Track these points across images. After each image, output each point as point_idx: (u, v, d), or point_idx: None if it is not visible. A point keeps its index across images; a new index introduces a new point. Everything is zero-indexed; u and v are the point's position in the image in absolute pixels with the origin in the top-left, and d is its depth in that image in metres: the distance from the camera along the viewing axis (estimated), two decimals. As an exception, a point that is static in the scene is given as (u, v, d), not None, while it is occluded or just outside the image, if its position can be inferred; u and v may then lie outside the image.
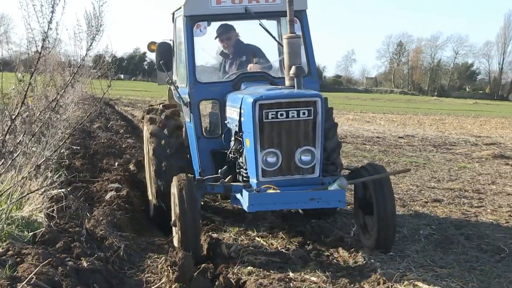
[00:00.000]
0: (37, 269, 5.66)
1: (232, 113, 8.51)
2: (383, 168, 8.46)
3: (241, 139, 8.23)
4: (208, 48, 10.56)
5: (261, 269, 7.32)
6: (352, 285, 6.82)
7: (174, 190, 7.73)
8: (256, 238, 8.96)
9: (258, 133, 7.57)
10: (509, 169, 17.56)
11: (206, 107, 9.91)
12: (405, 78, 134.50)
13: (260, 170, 7.65)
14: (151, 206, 9.98)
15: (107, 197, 10.42)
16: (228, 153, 8.74)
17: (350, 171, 8.79)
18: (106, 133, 20.50)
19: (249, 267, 7.35)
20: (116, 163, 13.88)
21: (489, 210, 11.14)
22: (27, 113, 8.46)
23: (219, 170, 8.42)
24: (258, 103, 7.54)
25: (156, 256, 7.87)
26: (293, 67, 7.83)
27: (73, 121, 16.37)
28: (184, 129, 9.87)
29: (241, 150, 8.32)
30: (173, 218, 7.88)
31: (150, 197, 10.22)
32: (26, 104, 8.20)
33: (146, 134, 10.30)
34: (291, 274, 7.17)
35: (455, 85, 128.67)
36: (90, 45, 8.23)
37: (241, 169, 8.41)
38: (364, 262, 7.68)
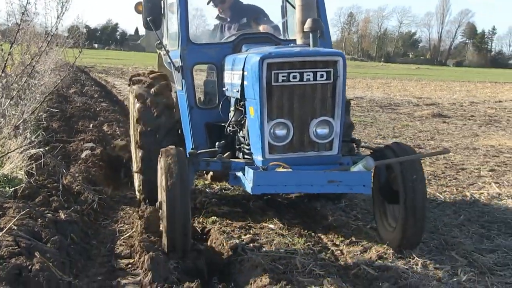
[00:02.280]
0: (16, 219, 5.61)
1: (232, 78, 6.61)
2: (412, 148, 6.59)
3: (242, 108, 6.41)
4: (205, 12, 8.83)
5: (224, 219, 7.34)
6: (306, 231, 6.87)
7: (161, 165, 5.83)
8: (221, 191, 8.93)
9: (265, 99, 5.68)
10: (445, 126, 17.87)
11: (200, 75, 7.84)
12: (355, 46, 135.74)
13: (267, 145, 5.79)
14: (139, 184, 7.80)
15: (83, 155, 10.28)
16: (226, 126, 6.79)
17: (371, 151, 6.74)
18: (81, 97, 20.27)
19: (213, 217, 7.37)
20: (91, 125, 13.81)
21: (427, 163, 11.28)
22: (6, 79, 8.31)
23: (216, 144, 6.43)
24: (266, 62, 5.64)
25: (128, 208, 7.85)
26: (309, 20, 6.06)
27: (50, 86, 16.11)
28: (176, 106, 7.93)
29: (242, 122, 6.48)
30: (158, 199, 6.07)
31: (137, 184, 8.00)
32: (5, 71, 8.05)
33: (132, 109, 8.30)
34: (251, 223, 7.18)
35: (400, 52, 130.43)
36: (61, 13, 8.05)
37: (243, 145, 6.56)
38: (319, 209, 7.75)
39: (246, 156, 6.37)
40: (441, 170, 10.66)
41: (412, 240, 6.09)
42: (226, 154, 6.34)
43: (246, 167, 5.87)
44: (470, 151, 13.25)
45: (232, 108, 6.70)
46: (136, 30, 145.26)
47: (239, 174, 6.11)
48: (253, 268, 5.56)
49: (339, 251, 6.39)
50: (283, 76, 5.66)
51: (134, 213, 7.37)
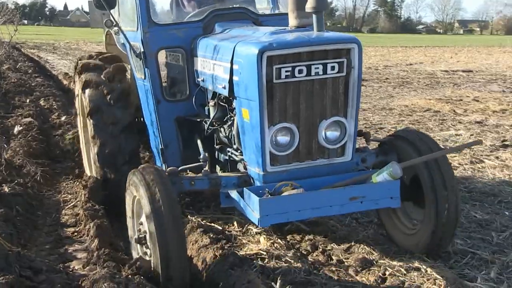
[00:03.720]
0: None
1: (212, 69, 5.18)
2: (430, 139, 5.23)
3: (227, 105, 5.16)
4: None
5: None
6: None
7: (140, 193, 4.43)
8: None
9: (265, 101, 4.34)
10: (364, 89, 18.14)
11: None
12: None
13: (268, 155, 4.48)
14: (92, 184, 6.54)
15: (15, 130, 10.00)
16: (206, 124, 5.51)
17: (379, 143, 5.48)
18: (15, 73, 19.54)
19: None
20: (28, 100, 13.40)
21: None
22: None
23: (201, 156, 5.12)
24: (266, 55, 4.24)
25: (70, 179, 7.69)
26: None
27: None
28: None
29: (228, 121, 5.22)
30: (135, 233, 4.81)
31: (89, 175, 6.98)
32: None
33: (79, 98, 7.00)
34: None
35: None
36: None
37: (229, 149, 5.34)
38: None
39: (234, 162, 5.28)
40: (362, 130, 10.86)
41: (444, 243, 5.05)
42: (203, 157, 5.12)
43: (246, 191, 4.47)
44: (387, 111, 13.55)
45: (211, 103, 5.34)
46: (65, 6, 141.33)
47: (234, 194, 4.73)
48: (194, 230, 5.60)
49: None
50: (286, 72, 4.29)
51: (77, 184, 7.23)
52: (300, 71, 4.33)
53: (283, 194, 4.33)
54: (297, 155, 4.58)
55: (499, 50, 41.09)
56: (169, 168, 4.78)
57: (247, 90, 4.47)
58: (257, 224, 4.33)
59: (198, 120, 5.69)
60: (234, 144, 5.11)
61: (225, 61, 4.79)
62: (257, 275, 4.72)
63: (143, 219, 4.51)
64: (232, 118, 5.05)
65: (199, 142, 5.60)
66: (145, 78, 5.84)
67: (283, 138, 4.50)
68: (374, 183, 4.51)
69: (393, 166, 4.44)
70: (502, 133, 10.77)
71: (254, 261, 5.11)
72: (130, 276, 4.70)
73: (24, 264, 4.98)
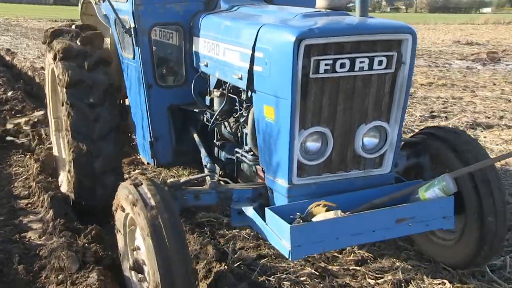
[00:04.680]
0: None
1: (220, 53, 4.23)
2: (469, 136, 4.41)
3: (235, 97, 4.29)
4: None
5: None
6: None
7: (134, 210, 3.43)
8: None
9: (298, 100, 3.40)
10: None
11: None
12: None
13: (296, 164, 3.55)
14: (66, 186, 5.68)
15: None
16: (202, 114, 4.78)
17: (410, 143, 4.47)
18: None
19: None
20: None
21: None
22: None
23: (207, 165, 4.19)
24: (304, 44, 3.29)
25: (21, 153, 7.49)
26: None
27: None
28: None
29: (241, 119, 4.24)
30: (129, 260, 3.87)
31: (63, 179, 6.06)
32: None
33: (51, 72, 6.07)
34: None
35: None
36: None
37: (238, 150, 4.34)
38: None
39: (244, 165, 4.37)
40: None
41: (491, 254, 4.16)
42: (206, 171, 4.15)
43: (270, 213, 3.49)
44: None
45: (216, 93, 4.45)
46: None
47: (250, 212, 3.83)
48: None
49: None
50: (326, 65, 3.36)
51: (28, 157, 7.06)
52: (342, 65, 3.38)
53: (316, 217, 3.36)
54: (328, 165, 3.65)
55: (424, 27, 41.90)
56: (169, 181, 3.82)
57: (275, 84, 3.48)
58: (287, 256, 3.32)
59: (197, 110, 4.79)
60: (246, 144, 4.17)
61: (244, 47, 3.79)
62: (209, 241, 4.78)
63: (139, 242, 3.62)
64: (245, 114, 4.12)
65: (195, 136, 4.77)
66: (134, 58, 4.91)
67: (313, 145, 3.57)
68: (423, 200, 3.62)
69: (446, 180, 3.56)
70: (430, 104, 11.09)
71: (206, 228, 5.16)
72: (86, 244, 4.69)
73: (-20, 235, 4.89)
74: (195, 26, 4.69)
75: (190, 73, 4.83)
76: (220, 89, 4.44)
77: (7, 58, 16.74)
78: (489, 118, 9.80)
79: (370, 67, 3.45)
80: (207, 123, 4.67)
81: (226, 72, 4.16)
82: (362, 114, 3.60)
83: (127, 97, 5.58)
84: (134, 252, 3.71)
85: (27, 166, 6.78)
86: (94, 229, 4.88)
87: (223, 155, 4.66)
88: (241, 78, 3.86)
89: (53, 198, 5.56)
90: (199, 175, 4.09)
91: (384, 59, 3.47)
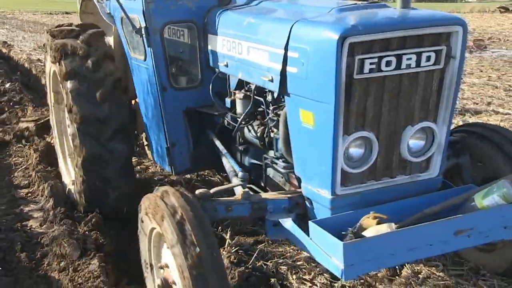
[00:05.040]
0: None
1: (243, 52, 3.80)
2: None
3: (262, 99, 3.89)
4: None
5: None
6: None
7: (163, 226, 3.03)
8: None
9: (342, 103, 3.02)
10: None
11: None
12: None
13: (339, 173, 3.16)
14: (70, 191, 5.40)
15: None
16: (221, 117, 4.42)
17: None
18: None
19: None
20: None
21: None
22: None
23: (239, 174, 3.69)
24: (349, 41, 2.91)
25: (20, 144, 7.44)
26: None
27: None
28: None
29: (271, 123, 3.83)
30: (155, 277, 3.47)
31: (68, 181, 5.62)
32: None
33: (52, 74, 5.62)
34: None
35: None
36: None
37: (268, 156, 3.96)
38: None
39: (272, 170, 3.96)
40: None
41: None
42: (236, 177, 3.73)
43: (316, 227, 3.06)
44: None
45: (239, 94, 4.07)
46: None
47: (288, 224, 3.33)
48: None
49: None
50: (371, 64, 2.98)
51: (27, 147, 7.02)
52: (388, 63, 3.00)
53: (368, 231, 2.96)
54: (373, 172, 3.26)
55: None
56: (198, 192, 3.36)
57: (315, 87, 3.09)
58: (339, 276, 2.88)
59: (216, 113, 4.41)
60: (276, 150, 3.79)
61: (274, 46, 3.38)
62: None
63: (167, 260, 3.22)
64: (274, 118, 3.74)
65: (216, 141, 4.43)
66: (145, 60, 4.51)
67: (357, 151, 3.19)
68: (481, 208, 3.18)
69: (507, 186, 3.13)
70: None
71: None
72: (87, 232, 4.69)
73: (-18, 224, 4.88)
74: (211, 23, 4.27)
75: (206, 73, 4.43)
76: (243, 91, 4.06)
77: (4, 50, 16.62)
78: (477, 104, 9.81)
79: (418, 63, 3.07)
80: (228, 126, 4.30)
81: (251, 72, 3.73)
82: (408, 115, 3.21)
83: (134, 99, 5.33)
84: (162, 270, 3.28)
85: (27, 156, 6.75)
86: (94, 217, 4.87)
87: (246, 160, 4.32)
88: (271, 80, 3.43)
89: (53, 187, 5.55)
90: (230, 185, 3.71)
91: (433, 54, 3.09)
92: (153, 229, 3.25)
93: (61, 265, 4.22)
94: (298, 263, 4.26)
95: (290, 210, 3.47)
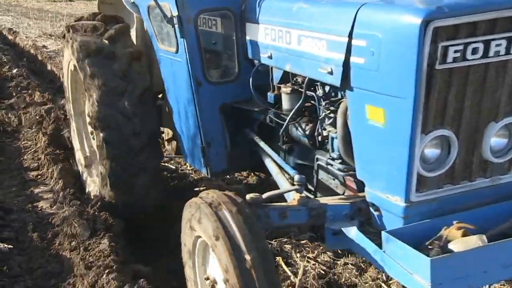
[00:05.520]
0: None
1: (293, 42, 3.33)
2: None
3: (313, 94, 3.40)
4: None
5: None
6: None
7: (209, 234, 2.69)
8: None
9: (422, 98, 2.50)
10: None
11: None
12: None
13: (415, 177, 2.67)
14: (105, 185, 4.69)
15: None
16: (267, 115, 3.92)
17: None
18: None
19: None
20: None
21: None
22: None
23: (295, 177, 3.23)
24: (433, 26, 2.37)
25: (28, 128, 7.42)
26: None
27: None
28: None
29: (326, 120, 3.34)
30: None
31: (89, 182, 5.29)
32: None
33: (70, 73, 5.20)
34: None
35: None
36: None
37: (321, 157, 3.39)
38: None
39: (327, 172, 3.48)
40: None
41: None
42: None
43: (397, 241, 2.56)
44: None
45: (285, 88, 3.62)
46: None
47: (353, 233, 2.90)
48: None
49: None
50: (456, 52, 2.50)
51: (35, 131, 6.99)
52: (474, 51, 2.51)
53: (454, 245, 2.50)
54: (450, 175, 2.79)
55: None
56: (249, 197, 2.90)
57: (388, 80, 2.62)
58: None
59: (257, 109, 3.94)
60: (332, 150, 3.31)
61: (334, 33, 2.92)
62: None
63: (215, 273, 2.90)
64: (331, 115, 3.28)
65: (257, 139, 4.00)
66: (177, 52, 4.04)
67: (433, 151, 2.72)
68: None
69: None
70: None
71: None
72: (96, 213, 4.68)
73: (-6, 205, 4.89)
74: (250, 11, 3.78)
75: (244, 66, 3.98)
76: (289, 84, 3.60)
77: (10, 37, 16.53)
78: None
79: (508, 50, 2.56)
80: (270, 123, 3.87)
81: (303, 64, 3.26)
82: (492, 110, 2.72)
83: (159, 96, 4.97)
84: (207, 282, 2.96)
85: (35, 139, 6.73)
86: (101, 200, 4.86)
87: (291, 160, 3.88)
88: (331, 73, 2.96)
89: (62, 169, 5.55)
90: (285, 189, 3.24)
91: None
92: (197, 237, 2.92)
93: (72, 244, 4.23)
94: (302, 241, 4.27)
95: (351, 217, 3.03)
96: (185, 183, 5.60)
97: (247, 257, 2.47)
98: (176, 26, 3.88)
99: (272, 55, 3.58)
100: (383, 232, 2.65)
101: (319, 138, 3.43)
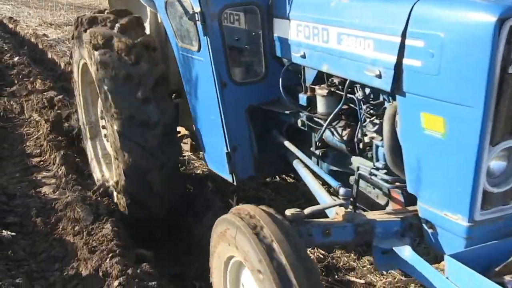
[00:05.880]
0: None
1: (331, 40, 2.95)
2: None
3: (354, 97, 3.01)
4: None
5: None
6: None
7: (245, 255, 2.37)
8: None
9: (492, 106, 2.17)
10: None
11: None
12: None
13: (481, 194, 2.32)
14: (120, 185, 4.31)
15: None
16: (298, 118, 3.54)
17: None
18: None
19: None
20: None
21: None
22: None
23: (340, 190, 2.79)
24: (509, 24, 2.06)
25: (30, 113, 7.36)
26: None
27: None
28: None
29: (369, 126, 2.97)
30: None
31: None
32: None
33: (81, 67, 4.95)
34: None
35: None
36: None
37: (364, 166, 3.03)
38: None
39: (370, 187, 3.15)
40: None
41: None
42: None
43: (468, 270, 2.20)
44: None
45: (321, 90, 3.24)
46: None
47: (408, 254, 2.52)
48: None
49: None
50: None
51: (37, 117, 6.94)
52: None
53: None
54: None
55: None
56: (290, 212, 2.57)
57: (452, 85, 2.29)
58: None
59: (288, 112, 3.54)
60: (377, 160, 2.96)
61: (385, 32, 2.57)
62: (214, 193, 4.74)
63: None
64: (376, 121, 2.90)
65: (288, 144, 3.63)
66: (199, 50, 3.63)
67: (499, 164, 2.40)
68: None
69: None
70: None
71: (209, 183, 5.12)
72: (99, 198, 4.66)
73: (-2, 190, 4.87)
74: (279, 5, 3.41)
75: (271, 64, 3.61)
76: (325, 86, 3.23)
77: (10, 26, 16.35)
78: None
79: None
80: (302, 127, 3.50)
81: (344, 65, 2.88)
82: None
83: (174, 93, 4.64)
84: None
85: (38, 126, 6.68)
86: (103, 186, 4.85)
87: (324, 167, 3.53)
88: (379, 76, 2.61)
89: (64, 156, 5.51)
90: (329, 204, 2.87)
91: None
92: (231, 257, 2.61)
93: (75, 229, 4.20)
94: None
95: (402, 234, 2.69)
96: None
97: (291, 275, 2.17)
98: (199, 23, 3.49)
99: (305, 54, 3.22)
100: (446, 257, 2.31)
101: (360, 145, 3.03)
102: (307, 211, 2.62)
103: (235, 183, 3.79)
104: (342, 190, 2.76)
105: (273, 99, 3.65)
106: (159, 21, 4.46)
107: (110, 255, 3.66)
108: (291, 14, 3.28)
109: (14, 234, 4.09)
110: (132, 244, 4.11)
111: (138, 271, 3.51)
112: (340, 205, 2.72)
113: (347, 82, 2.96)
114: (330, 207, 2.83)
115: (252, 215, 2.41)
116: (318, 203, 3.05)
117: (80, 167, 5.55)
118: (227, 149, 3.68)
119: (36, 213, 4.52)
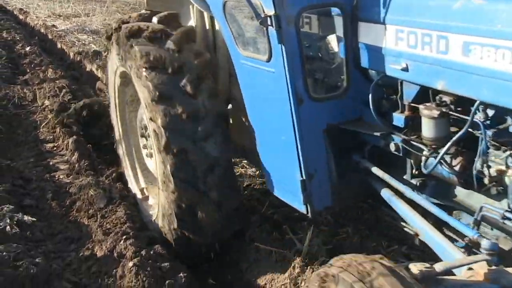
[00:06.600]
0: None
1: (458, 52, 2.24)
2: None
3: (479, 121, 2.26)
4: None
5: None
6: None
7: None
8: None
9: None
10: None
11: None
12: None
13: None
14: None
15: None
16: (390, 141, 2.83)
17: None
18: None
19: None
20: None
21: None
22: None
23: (486, 245, 2.14)
24: None
25: (43, 100, 7.30)
26: None
27: None
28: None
29: (493, 157, 2.26)
30: None
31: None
32: None
33: (118, 85, 4.29)
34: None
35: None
36: None
37: (495, 208, 2.32)
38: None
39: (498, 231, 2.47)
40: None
41: None
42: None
43: None
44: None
45: (431, 111, 2.49)
46: None
47: None
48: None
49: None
50: None
51: (50, 104, 6.90)
52: None
53: None
54: None
55: None
56: (416, 268, 1.97)
57: None
58: None
59: (378, 134, 2.87)
60: (509, 198, 2.30)
61: None
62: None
63: None
64: (506, 151, 2.24)
65: (377, 170, 2.99)
66: (269, 60, 2.92)
67: None
68: None
69: None
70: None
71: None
72: (112, 183, 4.65)
73: (15, 175, 4.85)
74: (366, 6, 2.78)
75: (355, 77, 2.95)
76: (435, 105, 2.52)
77: (21, 17, 16.25)
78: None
79: None
80: (396, 152, 2.82)
81: (473, 83, 2.24)
82: None
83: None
84: None
85: (51, 112, 6.64)
86: (115, 172, 4.84)
87: (422, 198, 2.84)
88: None
89: (76, 142, 5.50)
90: (468, 260, 2.20)
91: None
92: None
93: (89, 212, 4.20)
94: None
95: None
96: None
97: None
98: (271, 28, 2.79)
99: (408, 67, 2.58)
100: None
101: (485, 179, 2.34)
102: (439, 267, 2.04)
103: (310, 215, 3.14)
104: (486, 244, 2.19)
105: (353, 117, 3.04)
106: (206, 20, 3.82)
107: (124, 237, 3.66)
108: (387, 18, 2.63)
109: (34, 219, 4.06)
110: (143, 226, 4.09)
111: (152, 252, 3.50)
112: (487, 261, 2.12)
113: (476, 104, 2.28)
114: (473, 262, 2.13)
115: (366, 272, 1.86)
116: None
117: (92, 154, 5.53)
118: (302, 176, 3.01)
119: (52, 196, 4.51)
